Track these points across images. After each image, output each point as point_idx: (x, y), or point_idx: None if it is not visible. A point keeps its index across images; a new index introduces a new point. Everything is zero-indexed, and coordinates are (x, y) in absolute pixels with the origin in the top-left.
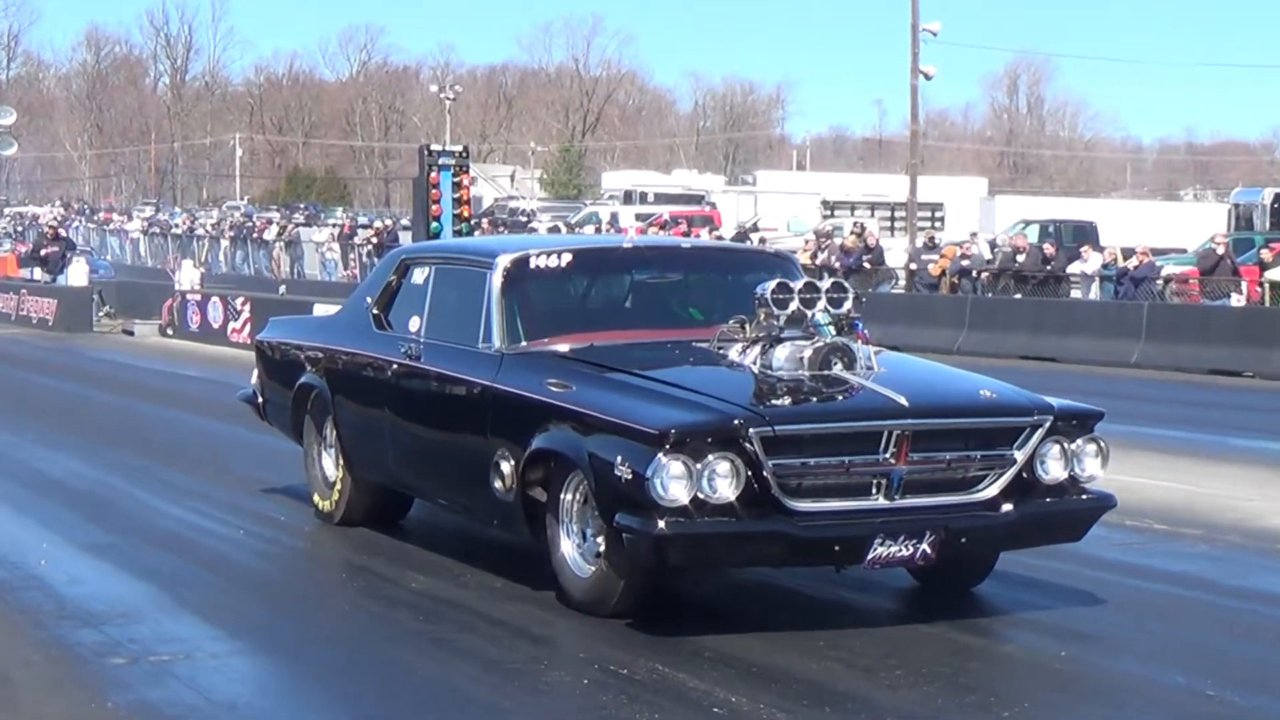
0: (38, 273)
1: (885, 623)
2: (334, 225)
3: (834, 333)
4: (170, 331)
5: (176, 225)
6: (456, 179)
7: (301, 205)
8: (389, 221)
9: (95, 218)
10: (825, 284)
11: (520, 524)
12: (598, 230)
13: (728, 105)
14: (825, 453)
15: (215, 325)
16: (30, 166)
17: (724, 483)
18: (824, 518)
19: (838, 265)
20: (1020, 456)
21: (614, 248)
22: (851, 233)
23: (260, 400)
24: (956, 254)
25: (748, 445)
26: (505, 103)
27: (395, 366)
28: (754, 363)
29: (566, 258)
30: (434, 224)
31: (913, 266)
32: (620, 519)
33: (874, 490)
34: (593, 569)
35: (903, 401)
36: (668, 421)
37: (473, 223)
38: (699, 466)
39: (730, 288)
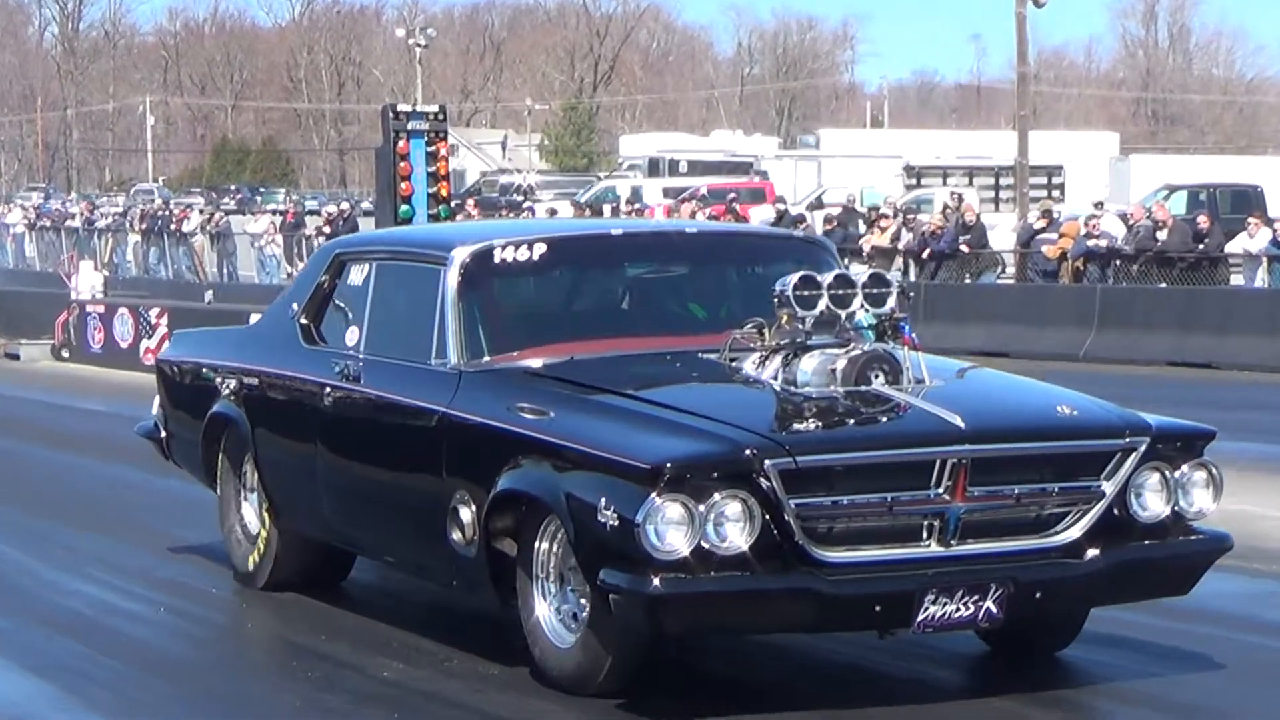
0: None
1: (945, 697)
2: (274, 212)
3: (875, 338)
4: (66, 354)
5: (72, 216)
6: (432, 148)
7: (232, 188)
8: (345, 205)
9: None
10: (862, 277)
11: (485, 584)
12: (615, 211)
13: (780, 47)
14: (862, 489)
15: (124, 344)
16: None
17: (735, 528)
18: (862, 570)
19: (926, 250)
20: (1110, 489)
21: (600, 235)
22: (944, 207)
23: (163, 434)
24: (1080, 232)
25: (764, 481)
26: (492, 49)
27: (327, 390)
28: (774, 377)
29: (540, 249)
30: (403, 207)
31: (1024, 249)
32: (606, 576)
33: (925, 535)
34: (574, 638)
35: (959, 423)
36: (662, 454)
37: (454, 204)
38: (702, 509)
39: (747, 283)
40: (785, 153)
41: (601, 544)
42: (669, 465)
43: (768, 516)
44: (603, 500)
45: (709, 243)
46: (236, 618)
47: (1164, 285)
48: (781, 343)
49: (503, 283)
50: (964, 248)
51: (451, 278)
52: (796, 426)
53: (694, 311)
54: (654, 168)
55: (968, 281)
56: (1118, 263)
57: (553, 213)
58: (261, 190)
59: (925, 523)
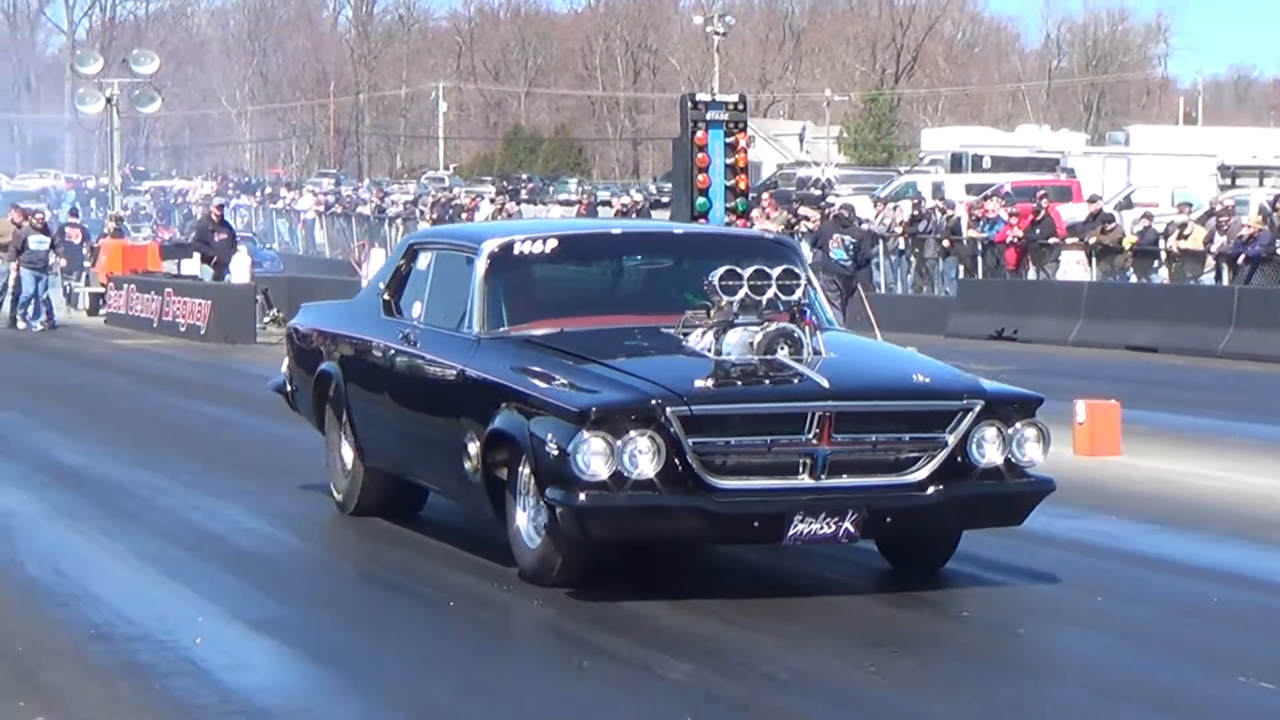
0: (193, 267)
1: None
2: (566, 202)
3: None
4: None
5: (363, 203)
6: (730, 139)
7: (524, 177)
8: (638, 196)
9: (258, 194)
10: (776, 272)
11: (485, 503)
12: (916, 207)
13: (1090, 39)
14: (748, 433)
15: None
16: (176, 128)
17: (645, 459)
18: (745, 495)
19: (1241, 255)
20: (952, 440)
21: (602, 233)
22: (1261, 210)
23: (290, 389)
24: None
25: (667, 424)
26: (792, 38)
27: (393, 352)
28: (707, 348)
29: (552, 244)
30: (700, 200)
31: None
32: (549, 493)
33: (800, 470)
34: (539, 541)
35: (824, 384)
36: (590, 401)
37: (751, 197)
38: (619, 444)
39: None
40: (1093, 149)
41: (548, 469)
42: (594, 409)
43: (672, 451)
44: (549, 436)
45: (691, 242)
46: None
47: None
48: (716, 320)
49: (519, 270)
50: None
51: (480, 265)
52: (698, 384)
53: (683, 295)
54: (956, 163)
55: None
56: None
57: (842, 214)
58: (553, 180)
59: (800, 460)
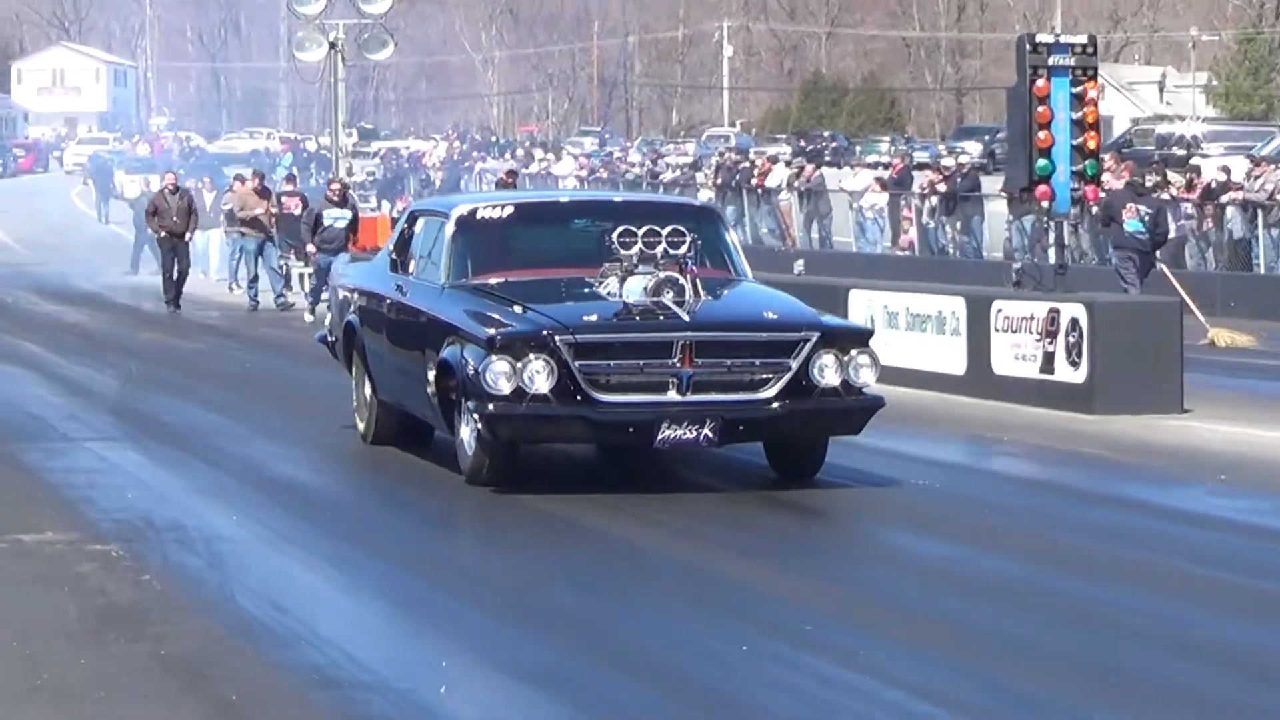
0: None
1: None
2: (877, 165)
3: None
4: None
5: (631, 167)
6: (1077, 89)
7: (825, 135)
8: (964, 158)
9: (509, 155)
10: (665, 230)
11: (441, 420)
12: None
13: None
14: (625, 357)
15: None
16: (410, 78)
17: (540, 378)
18: (622, 407)
19: None
20: (794, 364)
21: (551, 202)
22: None
23: (331, 339)
24: None
25: (558, 350)
26: None
27: (389, 301)
28: (611, 292)
29: (509, 210)
30: (1040, 161)
31: None
32: (469, 404)
33: (669, 388)
34: (475, 448)
35: (686, 318)
36: (496, 332)
37: (1100, 156)
38: (520, 365)
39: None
40: None
41: (470, 386)
42: (498, 338)
43: (562, 372)
44: (470, 360)
45: (631, 208)
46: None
47: None
48: (622, 270)
49: (478, 231)
50: None
51: (449, 227)
52: (586, 318)
53: (611, 254)
54: None
55: None
56: None
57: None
58: (861, 138)
59: (670, 380)
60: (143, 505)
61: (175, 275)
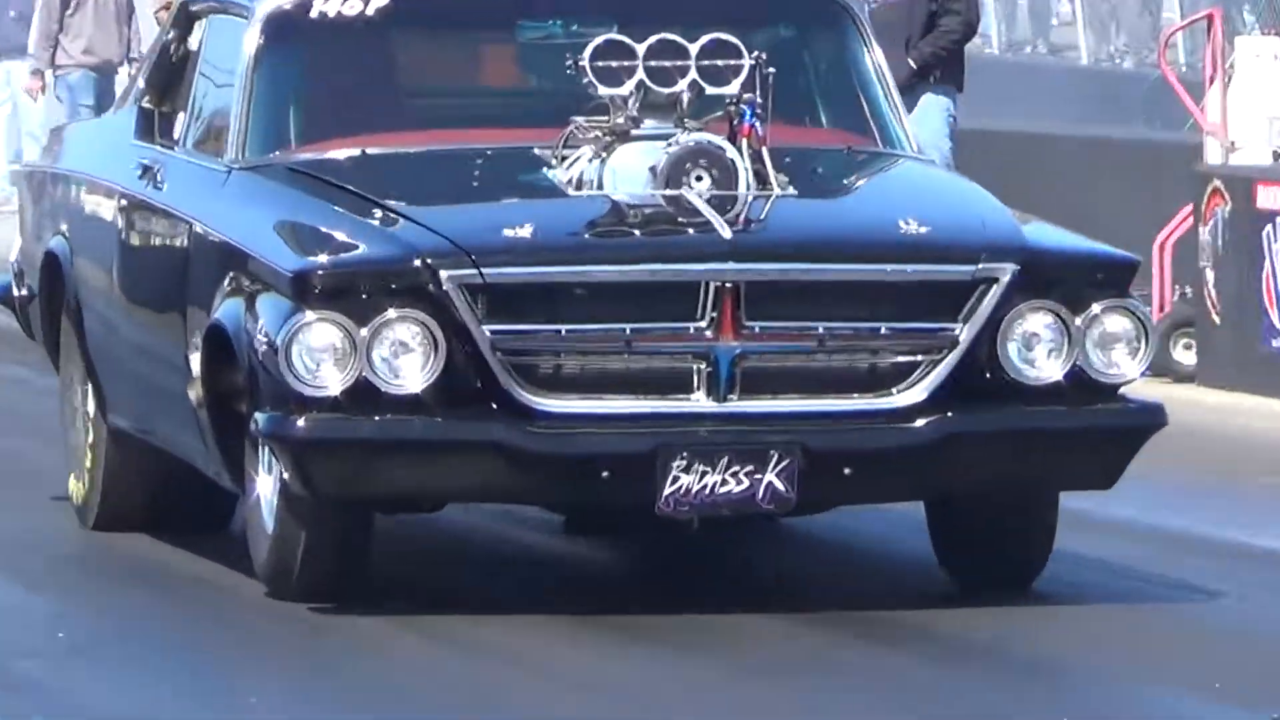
0: None
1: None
2: None
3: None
4: None
5: None
6: None
7: None
8: None
9: None
10: (700, 42)
11: (217, 458)
12: None
13: None
14: (595, 318)
15: None
16: None
17: (410, 360)
18: (584, 423)
19: None
20: (967, 332)
21: None
22: None
23: (19, 292)
24: None
25: (447, 299)
26: None
27: (128, 204)
28: (578, 177)
29: (378, 2)
30: None
31: None
32: (256, 418)
33: (693, 384)
34: (274, 521)
35: (725, 233)
36: (312, 263)
37: None
38: (364, 333)
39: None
40: None
41: (259, 379)
42: (318, 272)
43: (458, 346)
44: (263, 321)
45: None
46: None
47: None
48: (602, 133)
49: (317, 48)
50: None
51: (250, 40)
52: (510, 232)
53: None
54: None
55: None
56: None
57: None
58: None
59: (691, 368)
60: None
61: None
